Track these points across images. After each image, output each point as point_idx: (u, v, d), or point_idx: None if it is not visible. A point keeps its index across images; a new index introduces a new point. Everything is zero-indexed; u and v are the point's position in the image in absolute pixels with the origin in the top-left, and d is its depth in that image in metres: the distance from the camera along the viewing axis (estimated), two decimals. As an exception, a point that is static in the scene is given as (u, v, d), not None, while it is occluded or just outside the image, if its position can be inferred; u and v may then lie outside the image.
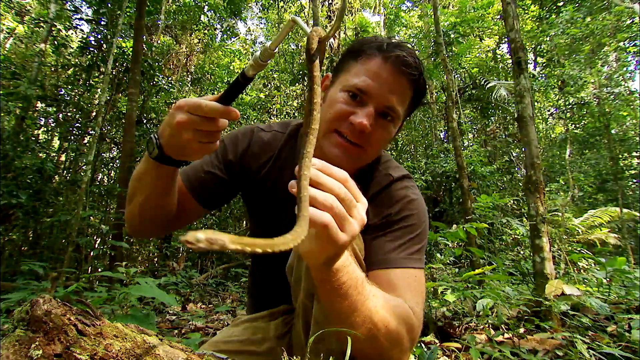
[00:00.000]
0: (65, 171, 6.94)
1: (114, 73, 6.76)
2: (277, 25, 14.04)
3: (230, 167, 1.08)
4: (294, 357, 0.97)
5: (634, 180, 11.79)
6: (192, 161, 1.03)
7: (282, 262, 1.18)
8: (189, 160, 0.93)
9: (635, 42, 8.91)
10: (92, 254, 5.54)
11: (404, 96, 0.94)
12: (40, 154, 5.80)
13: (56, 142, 7.66)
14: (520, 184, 8.91)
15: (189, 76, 11.96)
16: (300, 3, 13.66)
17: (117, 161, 7.73)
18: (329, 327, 0.73)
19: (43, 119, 7.20)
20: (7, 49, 9.34)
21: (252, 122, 11.49)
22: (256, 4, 15.05)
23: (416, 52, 0.97)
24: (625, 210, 8.73)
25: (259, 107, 12.01)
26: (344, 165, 0.93)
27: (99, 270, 4.91)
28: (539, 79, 10.93)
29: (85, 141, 7.00)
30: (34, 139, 6.17)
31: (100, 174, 8.43)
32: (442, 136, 12.17)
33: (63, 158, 7.31)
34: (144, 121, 7.53)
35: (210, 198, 1.07)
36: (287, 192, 1.14)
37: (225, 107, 0.72)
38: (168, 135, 0.76)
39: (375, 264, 0.93)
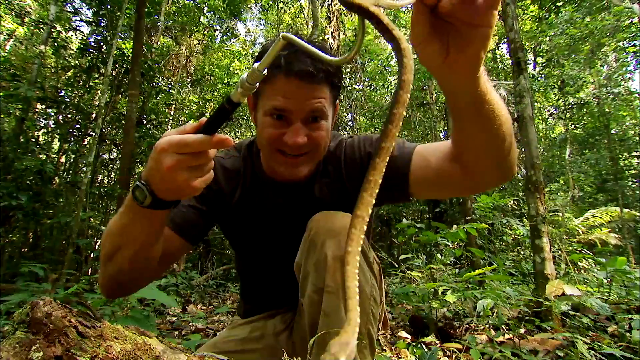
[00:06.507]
0: (65, 173, 6.93)
1: (113, 74, 6.76)
2: (276, 26, 14.03)
3: (205, 197, 1.06)
4: (297, 353, 0.97)
5: (634, 180, 11.77)
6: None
7: (272, 267, 1.18)
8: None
9: (635, 42, 8.91)
10: (92, 255, 5.53)
11: (322, 93, 0.95)
12: (40, 156, 5.80)
13: (56, 144, 7.66)
14: (521, 184, 8.91)
15: (189, 77, 11.96)
16: (300, 4, 13.66)
17: (117, 163, 7.73)
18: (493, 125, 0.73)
19: (43, 121, 7.20)
20: (7, 51, 9.36)
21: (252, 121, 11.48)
22: (256, 5, 15.07)
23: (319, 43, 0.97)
24: (625, 210, 8.72)
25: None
26: (300, 173, 1.00)
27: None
28: (539, 79, 10.92)
29: (85, 143, 7.00)
30: (34, 140, 6.16)
31: (100, 176, 8.43)
32: (442, 136, 12.17)
33: (63, 160, 7.31)
34: (144, 122, 7.54)
35: (195, 232, 1.07)
36: (265, 215, 1.10)
37: (215, 137, 0.66)
38: (159, 181, 0.69)
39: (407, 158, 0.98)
